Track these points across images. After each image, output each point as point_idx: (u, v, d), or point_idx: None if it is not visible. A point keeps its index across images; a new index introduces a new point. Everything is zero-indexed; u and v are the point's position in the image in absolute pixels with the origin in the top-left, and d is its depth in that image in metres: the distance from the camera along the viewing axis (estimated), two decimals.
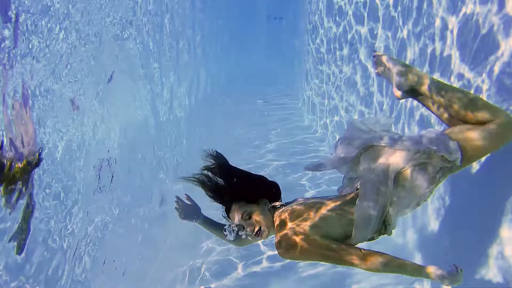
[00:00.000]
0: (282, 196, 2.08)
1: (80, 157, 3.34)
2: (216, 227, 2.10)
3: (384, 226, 1.85)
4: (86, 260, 3.27)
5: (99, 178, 3.69)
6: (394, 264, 1.75)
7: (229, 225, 1.98)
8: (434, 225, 2.91)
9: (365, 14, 5.11)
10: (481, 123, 1.82)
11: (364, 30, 5.14)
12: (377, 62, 2.17)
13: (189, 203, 2.13)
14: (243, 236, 1.97)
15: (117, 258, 3.86)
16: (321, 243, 1.79)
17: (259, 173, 2.10)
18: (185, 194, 2.13)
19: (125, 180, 4.31)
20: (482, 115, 1.81)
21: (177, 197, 2.11)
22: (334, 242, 1.81)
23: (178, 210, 2.10)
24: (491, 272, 2.07)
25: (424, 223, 3.09)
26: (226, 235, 2.00)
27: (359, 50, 5.35)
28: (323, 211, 1.86)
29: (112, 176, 3.93)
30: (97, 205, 3.60)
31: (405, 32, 3.74)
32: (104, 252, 3.58)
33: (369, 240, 1.88)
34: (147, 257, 4.54)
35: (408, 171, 1.82)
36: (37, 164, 2.52)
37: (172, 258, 4.58)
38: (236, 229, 1.95)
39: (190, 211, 2.10)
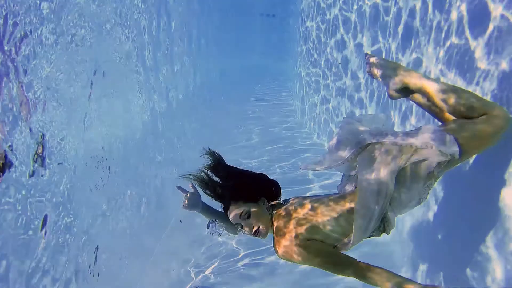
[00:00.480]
0: (286, 191, 2.07)
1: (74, 155, 3.33)
2: (216, 215, 2.07)
3: (383, 225, 1.84)
4: (79, 260, 3.27)
5: (94, 175, 3.68)
6: (389, 278, 1.72)
7: (212, 222, 1.98)
8: (431, 224, 2.92)
9: (356, 15, 5.15)
10: (475, 117, 1.83)
11: (356, 31, 5.18)
12: (369, 63, 2.19)
13: (194, 192, 2.06)
14: (242, 233, 1.97)
15: (112, 257, 3.86)
16: (319, 250, 1.78)
17: (259, 171, 2.09)
18: (191, 184, 2.05)
19: (121, 178, 4.30)
20: (475, 109, 1.83)
21: (180, 187, 2.04)
22: (332, 250, 1.80)
23: (185, 200, 2.02)
24: (490, 271, 2.09)
25: (421, 223, 3.11)
26: (212, 232, 2.00)
27: (351, 50, 5.39)
28: (322, 211, 1.86)
29: (108, 173, 3.92)
30: (92, 203, 3.59)
31: (397, 33, 3.78)
32: (99, 252, 3.58)
33: (367, 237, 1.86)
34: (141, 257, 4.53)
35: (407, 169, 1.81)
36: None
37: (165, 258, 4.57)
38: (222, 229, 1.95)
39: (194, 200, 2.05)
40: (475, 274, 2.22)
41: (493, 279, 2.07)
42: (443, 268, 2.72)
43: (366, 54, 2.24)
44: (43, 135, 2.81)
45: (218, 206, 2.07)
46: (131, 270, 4.17)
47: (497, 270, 2.03)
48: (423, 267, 3.03)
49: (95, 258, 3.47)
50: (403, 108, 3.56)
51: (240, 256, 4.22)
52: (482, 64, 2.23)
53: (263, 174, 2.08)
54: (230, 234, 2.08)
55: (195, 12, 10.18)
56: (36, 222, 2.71)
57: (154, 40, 6.23)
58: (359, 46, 5.07)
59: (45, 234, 2.81)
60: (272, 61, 16.36)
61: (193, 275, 4.12)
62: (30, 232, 2.66)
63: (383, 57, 2.16)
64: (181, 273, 4.20)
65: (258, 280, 3.86)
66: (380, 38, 4.32)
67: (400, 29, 3.70)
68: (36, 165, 2.71)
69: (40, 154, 2.76)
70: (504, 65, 2.03)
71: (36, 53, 2.84)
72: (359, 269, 1.75)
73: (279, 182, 2.07)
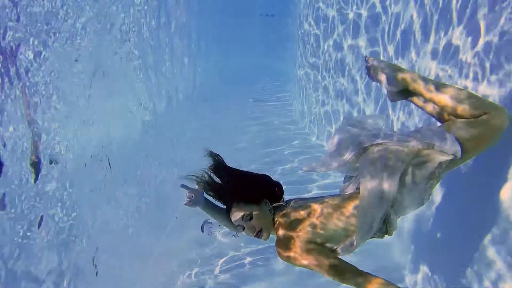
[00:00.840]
0: (286, 191, 2.07)
1: (74, 156, 3.33)
2: (218, 212, 2.06)
3: (385, 226, 1.85)
4: (79, 261, 3.26)
5: (94, 176, 3.68)
6: None
7: (206, 222, 1.99)
8: (431, 224, 2.93)
9: (353, 19, 5.16)
10: (475, 117, 1.83)
11: (354, 33, 5.19)
12: (368, 66, 2.20)
13: (196, 189, 2.03)
14: (244, 234, 1.98)
15: (112, 258, 3.86)
16: (320, 254, 1.77)
17: (262, 173, 2.09)
18: (196, 179, 2.03)
19: (121, 178, 4.31)
20: (475, 109, 1.83)
21: (185, 186, 2.02)
22: (334, 256, 1.79)
23: (188, 197, 2.00)
24: (491, 271, 2.10)
25: (421, 223, 3.12)
26: (207, 233, 2.00)
27: (349, 52, 5.40)
28: (325, 213, 1.86)
29: (108, 173, 3.93)
30: (92, 204, 3.59)
31: (396, 34, 3.80)
32: (99, 252, 3.58)
33: (370, 238, 1.86)
34: (141, 257, 4.53)
35: (409, 170, 1.80)
36: None
37: (166, 258, 4.57)
38: (217, 230, 1.95)
39: (197, 197, 2.03)
40: (475, 274, 2.23)
41: (494, 279, 2.08)
42: (443, 268, 2.73)
43: (366, 56, 2.26)
44: (40, 136, 2.80)
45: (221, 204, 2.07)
46: (131, 271, 4.17)
47: (497, 270, 2.05)
48: (423, 267, 3.05)
49: (95, 259, 3.47)
50: (403, 109, 3.57)
51: (241, 255, 4.21)
52: (481, 64, 2.24)
53: (266, 175, 2.09)
54: (236, 235, 2.08)
55: (195, 13, 10.19)
56: (33, 225, 2.71)
57: (154, 41, 6.23)
58: (357, 48, 5.09)
59: (43, 235, 2.82)
60: (272, 61, 16.34)
61: (193, 275, 4.12)
62: (29, 234, 2.67)
63: (382, 59, 2.17)
64: (181, 273, 4.20)
65: (260, 280, 3.86)
66: (379, 40, 4.33)
67: (399, 30, 3.71)
68: (33, 169, 2.71)
69: (36, 156, 2.75)
70: (505, 66, 2.04)
71: (36, 53, 2.84)
72: (359, 278, 1.73)
73: (284, 179, 2.05)
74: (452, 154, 1.79)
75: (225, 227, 2.16)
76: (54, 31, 3.12)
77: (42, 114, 2.89)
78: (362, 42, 4.92)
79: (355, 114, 5.20)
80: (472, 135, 1.82)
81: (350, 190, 1.99)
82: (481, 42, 2.26)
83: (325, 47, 6.63)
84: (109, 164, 3.87)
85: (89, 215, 3.48)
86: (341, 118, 5.77)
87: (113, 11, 4.48)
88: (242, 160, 6.28)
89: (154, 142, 5.66)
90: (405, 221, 3.39)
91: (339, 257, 1.84)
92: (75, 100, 3.46)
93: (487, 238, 2.11)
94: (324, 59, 6.76)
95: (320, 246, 1.82)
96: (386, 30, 4.08)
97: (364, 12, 4.81)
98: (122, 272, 4.01)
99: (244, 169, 2.07)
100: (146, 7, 5.81)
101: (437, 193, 2.78)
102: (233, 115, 10.07)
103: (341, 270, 1.75)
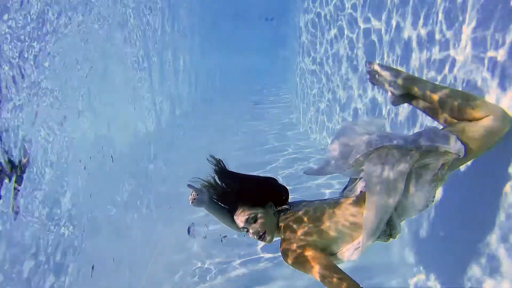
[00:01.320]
0: (292, 190, 2.07)
1: (74, 155, 3.33)
2: (222, 211, 2.06)
3: (389, 229, 1.85)
4: (79, 263, 3.25)
5: (94, 176, 3.68)
6: None
7: (193, 225, 1.99)
8: (432, 224, 2.94)
9: (353, 23, 5.18)
10: (476, 118, 1.85)
11: (354, 38, 5.21)
12: (370, 71, 2.21)
13: (201, 189, 2.04)
14: (248, 237, 1.98)
15: (109, 259, 3.85)
16: (324, 264, 1.73)
17: (270, 176, 2.10)
18: (201, 183, 2.06)
19: (120, 179, 4.30)
20: (477, 111, 1.85)
21: (190, 185, 2.02)
22: (337, 269, 1.74)
23: (192, 196, 2.01)
24: (491, 271, 2.11)
25: (422, 223, 3.12)
26: (193, 235, 2.00)
27: (351, 58, 5.42)
28: (329, 216, 1.87)
29: (108, 174, 3.92)
30: (91, 205, 3.59)
31: (397, 40, 3.82)
32: (99, 253, 3.57)
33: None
34: (141, 259, 4.52)
35: (412, 172, 1.81)
36: None
37: (166, 259, 4.57)
38: (197, 231, 1.94)
39: (201, 197, 2.02)
40: (476, 275, 2.24)
41: (495, 279, 2.09)
42: (444, 268, 2.74)
43: (367, 61, 2.27)
44: (27, 139, 2.77)
45: None
46: (132, 272, 4.16)
47: (499, 271, 2.06)
48: (424, 268, 3.05)
49: (94, 266, 3.46)
50: (403, 111, 3.59)
51: (242, 255, 4.20)
52: (482, 66, 2.26)
53: (272, 178, 2.09)
54: (222, 240, 2.07)
55: (196, 15, 10.23)
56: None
57: (156, 42, 6.25)
58: (357, 51, 5.10)
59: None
60: (273, 64, 16.37)
61: (197, 277, 4.11)
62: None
63: (384, 64, 2.19)
64: (184, 275, 4.19)
65: (263, 280, 3.85)
66: (380, 44, 4.35)
67: (400, 35, 3.73)
68: (18, 171, 2.68)
69: (25, 160, 2.73)
70: (508, 69, 2.06)
71: (36, 54, 2.85)
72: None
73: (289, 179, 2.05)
74: (455, 153, 1.80)
75: (225, 224, 2.15)
76: (55, 33, 3.13)
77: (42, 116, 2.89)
78: (361, 45, 4.94)
79: (355, 118, 5.21)
80: (475, 136, 1.84)
81: (355, 192, 1.99)
82: (483, 46, 2.27)
83: (324, 51, 6.66)
84: (112, 160, 3.86)
85: (89, 217, 3.48)
86: (341, 122, 5.77)
87: (114, 12, 4.49)
88: (242, 163, 6.30)
89: (154, 142, 5.67)
90: (406, 221, 3.39)
91: (344, 261, 1.85)
92: (75, 101, 3.46)
93: (489, 239, 2.13)
94: (323, 62, 6.78)
95: (321, 251, 1.81)
96: (387, 33, 4.10)
97: (363, 17, 4.83)
98: (121, 273, 4.00)
99: (244, 173, 2.08)
100: (145, 10, 5.84)
101: (439, 193, 2.79)
102: (233, 117, 10.09)
103: (342, 283, 1.67)
